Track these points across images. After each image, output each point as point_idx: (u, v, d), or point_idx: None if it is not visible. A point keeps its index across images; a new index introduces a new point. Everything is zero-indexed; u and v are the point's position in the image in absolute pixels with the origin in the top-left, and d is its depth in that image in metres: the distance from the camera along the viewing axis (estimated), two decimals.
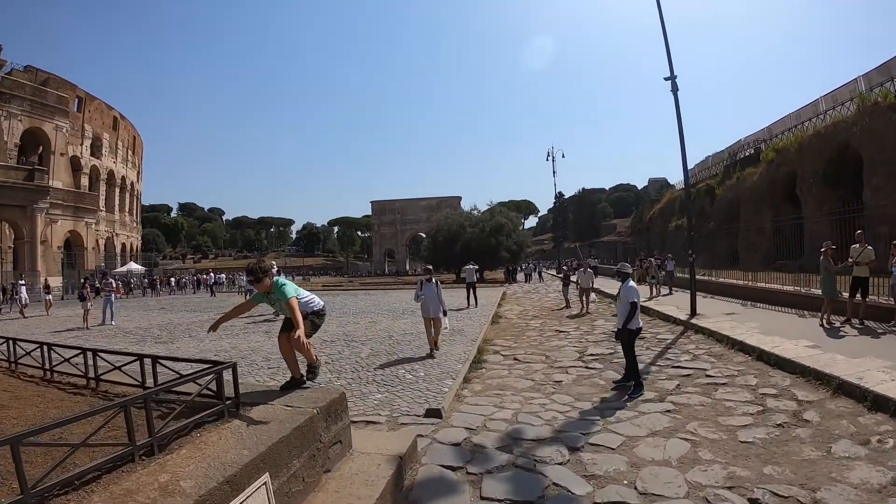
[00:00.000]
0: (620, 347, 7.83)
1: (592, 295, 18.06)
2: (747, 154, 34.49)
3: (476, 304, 19.36)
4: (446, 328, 10.77)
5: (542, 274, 43.93)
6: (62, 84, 45.01)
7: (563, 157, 53.75)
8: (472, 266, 21.21)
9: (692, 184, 43.87)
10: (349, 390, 7.44)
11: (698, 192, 39.74)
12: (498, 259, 41.48)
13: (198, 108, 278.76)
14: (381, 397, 7.05)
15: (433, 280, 10.24)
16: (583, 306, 16.71)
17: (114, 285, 17.59)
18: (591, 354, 9.95)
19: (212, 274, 34.23)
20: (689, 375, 7.92)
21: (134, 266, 43.67)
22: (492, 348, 11.11)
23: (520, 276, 41.77)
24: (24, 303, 21.49)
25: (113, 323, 16.09)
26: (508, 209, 50.69)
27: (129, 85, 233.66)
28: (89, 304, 16.18)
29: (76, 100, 47.50)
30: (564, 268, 31.00)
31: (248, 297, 21.78)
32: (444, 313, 10.14)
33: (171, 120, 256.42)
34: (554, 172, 49.84)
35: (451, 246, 41.09)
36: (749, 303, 15.17)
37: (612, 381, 7.67)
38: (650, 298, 17.81)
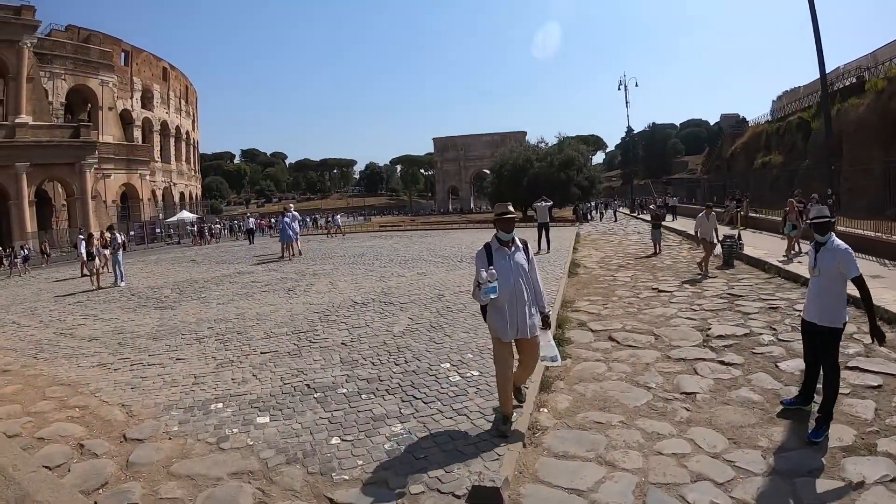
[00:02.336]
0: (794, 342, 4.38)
1: (717, 248, 12.48)
2: (848, 84, 30.19)
3: (549, 248, 16.06)
4: (556, 362, 4.43)
5: (617, 213, 39.91)
6: (105, 39, 43.69)
7: (637, 85, 48.20)
8: (544, 202, 17.29)
9: (782, 116, 37.99)
10: (353, 409, 4.56)
11: (789, 126, 35.09)
12: (568, 196, 38.04)
13: (257, 53, 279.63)
14: (399, 432, 4.10)
15: (517, 242, 4.15)
16: (703, 268, 11.47)
17: (119, 240, 15.50)
18: (720, 336, 6.55)
19: (250, 219, 32.11)
20: (879, 387, 4.69)
21: (186, 214, 42.60)
22: (575, 317, 7.93)
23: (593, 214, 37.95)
24: (84, 258, 20.46)
25: (122, 284, 14.00)
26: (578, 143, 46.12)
27: (182, 38, 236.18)
28: (98, 262, 14.19)
29: (122, 54, 46.30)
30: (652, 206, 26.52)
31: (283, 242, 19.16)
32: (547, 323, 4.26)
33: (229, 68, 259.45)
34: (627, 103, 45.95)
35: (518, 181, 37.77)
36: (888, 262, 11.18)
37: (780, 401, 4.47)
38: (787, 258, 12.41)
